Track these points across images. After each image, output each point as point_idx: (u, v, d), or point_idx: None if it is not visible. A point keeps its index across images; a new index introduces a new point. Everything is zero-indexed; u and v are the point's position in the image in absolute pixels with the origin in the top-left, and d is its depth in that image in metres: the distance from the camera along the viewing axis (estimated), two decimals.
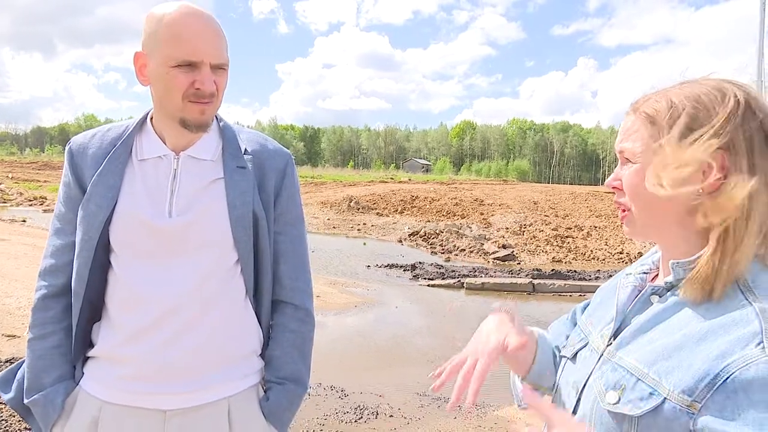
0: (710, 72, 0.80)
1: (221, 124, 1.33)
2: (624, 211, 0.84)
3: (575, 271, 9.63)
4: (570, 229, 14.61)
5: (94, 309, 1.25)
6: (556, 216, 17.53)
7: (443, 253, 11.70)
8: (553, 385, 0.97)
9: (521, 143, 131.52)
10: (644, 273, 0.91)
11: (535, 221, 15.74)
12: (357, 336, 5.92)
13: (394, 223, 16.18)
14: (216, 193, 1.24)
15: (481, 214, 17.45)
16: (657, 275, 0.89)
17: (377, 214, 18.04)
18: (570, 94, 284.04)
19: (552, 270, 9.61)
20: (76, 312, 1.23)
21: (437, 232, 13.37)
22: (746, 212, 0.71)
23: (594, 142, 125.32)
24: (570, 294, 8.13)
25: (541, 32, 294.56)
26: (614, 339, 0.84)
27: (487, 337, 0.91)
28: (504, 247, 11.69)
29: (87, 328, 1.26)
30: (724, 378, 0.66)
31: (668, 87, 0.81)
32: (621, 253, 11.71)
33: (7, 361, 4.05)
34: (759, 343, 0.66)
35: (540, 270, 9.68)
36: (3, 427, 3.08)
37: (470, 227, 14.22)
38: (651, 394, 0.72)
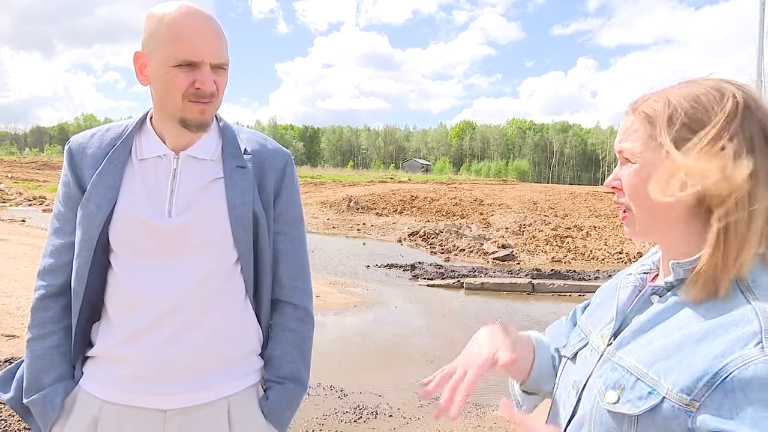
0: (710, 72, 0.80)
1: (221, 123, 1.33)
2: (625, 211, 0.84)
3: (575, 271, 9.63)
4: (569, 229, 14.61)
5: (94, 309, 1.25)
6: (556, 216, 17.54)
7: (443, 253, 11.70)
8: (553, 388, 0.98)
9: (521, 143, 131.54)
10: (644, 273, 0.91)
11: (535, 221, 15.74)
12: (356, 336, 5.92)
13: (393, 223, 16.18)
14: (216, 192, 1.24)
15: (481, 214, 17.46)
16: (657, 275, 0.89)
17: (377, 214, 18.04)
18: (569, 94, 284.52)
19: (551, 270, 9.61)
20: (75, 312, 1.23)
21: (437, 232, 13.37)
22: (749, 212, 0.71)
23: (593, 142, 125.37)
24: (569, 294, 8.13)
25: (540, 32, 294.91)
26: (614, 339, 0.84)
27: (478, 349, 0.92)
28: (503, 247, 11.69)
29: (87, 327, 1.26)
30: (722, 377, 0.66)
31: (667, 87, 0.81)
32: (620, 253, 11.71)
33: (6, 361, 4.05)
34: (758, 343, 0.66)
35: (539, 270, 9.68)
36: (2, 427, 3.08)
37: (470, 227, 14.22)
38: (650, 393, 0.72)
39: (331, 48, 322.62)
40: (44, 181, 26.35)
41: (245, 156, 1.29)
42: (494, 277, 9.00)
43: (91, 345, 1.27)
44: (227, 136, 1.31)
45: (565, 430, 0.86)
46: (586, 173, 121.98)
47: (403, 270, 9.53)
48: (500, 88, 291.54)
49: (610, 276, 8.55)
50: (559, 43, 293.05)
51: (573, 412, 0.86)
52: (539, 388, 1.01)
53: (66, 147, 1.30)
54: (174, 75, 1.14)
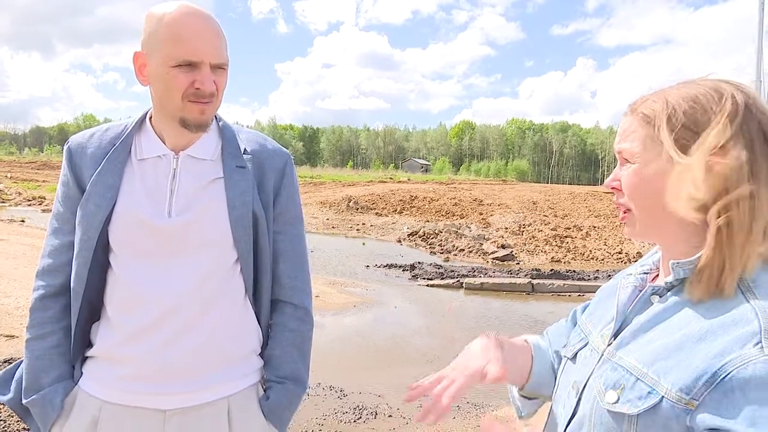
0: (708, 72, 0.80)
1: (220, 123, 1.33)
2: (624, 212, 0.84)
3: (574, 271, 9.63)
4: (569, 229, 14.62)
5: (94, 309, 1.25)
6: (555, 216, 17.54)
7: (442, 253, 11.70)
8: (552, 391, 0.98)
9: (520, 143, 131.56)
10: (645, 273, 0.91)
11: (534, 221, 15.74)
12: (356, 336, 5.92)
13: (393, 223, 16.18)
14: (215, 192, 1.24)
15: (480, 214, 17.46)
16: (657, 275, 0.89)
17: (376, 214, 18.04)
18: (569, 94, 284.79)
19: (551, 270, 9.61)
20: (75, 312, 1.23)
21: (436, 232, 13.36)
22: (750, 212, 0.71)
23: (593, 142, 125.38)
24: (569, 294, 8.13)
25: (540, 32, 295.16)
26: (614, 339, 0.84)
27: (468, 361, 0.92)
28: (503, 247, 11.69)
29: (86, 327, 1.26)
30: (721, 376, 0.66)
31: (666, 88, 0.81)
32: (620, 253, 11.72)
33: (5, 362, 4.05)
34: (757, 343, 0.66)
35: (539, 270, 9.68)
36: (2, 427, 3.07)
37: (469, 227, 14.22)
38: (649, 393, 0.73)
39: (330, 48, 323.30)
40: (43, 181, 26.33)
41: (245, 156, 1.29)
42: (494, 277, 9.00)
43: (90, 345, 1.27)
44: (227, 136, 1.31)
45: (565, 430, 0.86)
46: (586, 173, 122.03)
47: (403, 270, 9.53)
48: (500, 88, 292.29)
49: (609, 276, 8.55)
50: (558, 43, 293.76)
51: (573, 412, 0.86)
52: (538, 393, 1.02)
53: (65, 147, 1.29)
54: (174, 75, 1.14)
